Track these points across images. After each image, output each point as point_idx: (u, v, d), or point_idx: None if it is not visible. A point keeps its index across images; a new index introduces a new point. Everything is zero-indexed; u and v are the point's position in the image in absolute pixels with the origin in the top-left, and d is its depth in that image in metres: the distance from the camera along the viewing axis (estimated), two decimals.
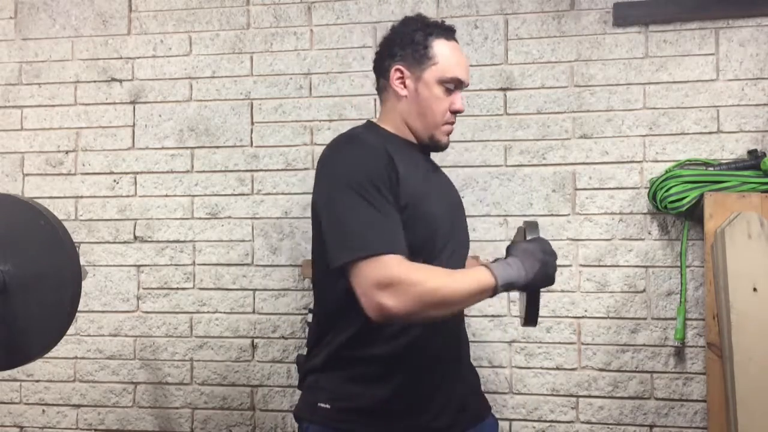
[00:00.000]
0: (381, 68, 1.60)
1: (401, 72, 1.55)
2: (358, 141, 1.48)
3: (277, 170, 2.53)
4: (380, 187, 1.36)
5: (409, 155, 1.53)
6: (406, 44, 1.55)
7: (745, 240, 2.03)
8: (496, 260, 1.44)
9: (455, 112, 1.56)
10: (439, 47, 1.54)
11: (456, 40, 1.58)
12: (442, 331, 1.50)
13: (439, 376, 1.51)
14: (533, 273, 1.38)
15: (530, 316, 1.44)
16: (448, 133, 1.59)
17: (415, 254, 1.37)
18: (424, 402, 1.47)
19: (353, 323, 1.43)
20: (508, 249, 1.46)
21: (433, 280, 1.31)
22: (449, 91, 1.54)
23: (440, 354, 1.52)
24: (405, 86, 1.55)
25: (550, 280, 1.41)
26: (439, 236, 1.49)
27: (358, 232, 1.32)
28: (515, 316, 2.37)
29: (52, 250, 1.66)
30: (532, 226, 1.49)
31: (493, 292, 1.36)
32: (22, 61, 2.69)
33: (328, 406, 1.46)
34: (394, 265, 1.29)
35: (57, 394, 2.62)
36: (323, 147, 2.46)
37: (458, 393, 1.54)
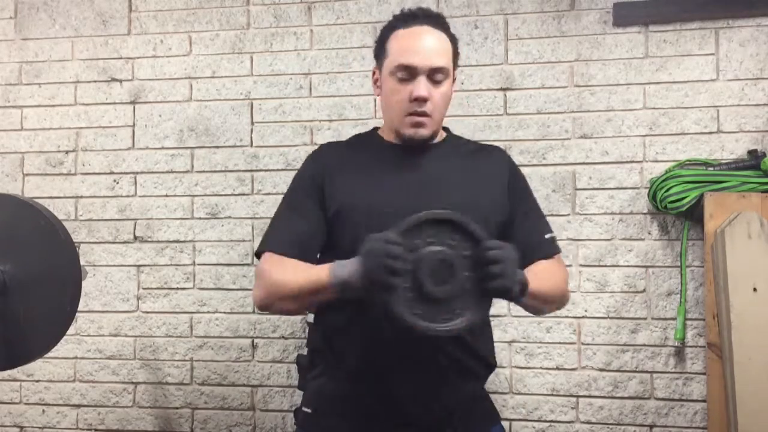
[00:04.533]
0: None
1: (374, 73, 1.57)
2: (317, 149, 1.63)
3: (277, 170, 2.53)
4: (303, 190, 1.53)
5: (370, 158, 1.54)
6: (376, 45, 1.56)
7: (745, 240, 2.03)
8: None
9: (415, 100, 1.44)
10: (393, 38, 1.49)
11: (419, 24, 1.47)
12: (380, 340, 1.40)
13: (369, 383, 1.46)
14: (358, 276, 1.28)
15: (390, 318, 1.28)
16: (416, 125, 1.46)
17: (348, 254, 1.33)
18: (391, 409, 1.44)
19: (321, 325, 1.58)
20: None
21: (281, 274, 1.42)
22: (404, 81, 1.44)
23: (376, 362, 1.44)
24: (378, 86, 1.55)
25: (369, 281, 1.26)
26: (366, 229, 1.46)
27: (267, 231, 1.53)
28: (515, 316, 2.37)
29: (52, 250, 1.67)
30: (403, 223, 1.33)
31: (332, 288, 1.34)
32: (22, 61, 2.69)
33: (309, 410, 1.56)
34: (264, 260, 1.47)
35: (57, 394, 2.62)
36: None
37: (397, 404, 1.44)
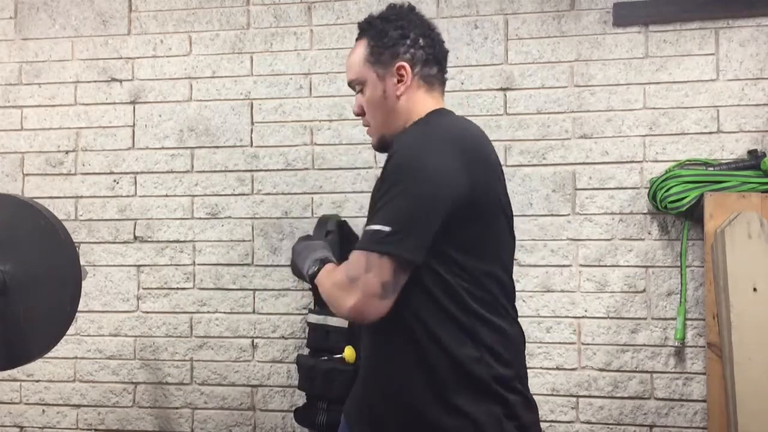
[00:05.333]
0: None
1: None
2: None
3: (277, 170, 2.53)
4: None
5: None
6: None
7: (745, 240, 2.03)
8: None
9: (356, 116, 1.53)
10: None
11: (358, 38, 1.53)
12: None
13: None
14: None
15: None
16: (369, 134, 1.51)
17: None
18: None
19: None
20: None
21: None
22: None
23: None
24: None
25: (297, 274, 1.48)
26: None
27: None
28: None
29: (52, 250, 1.67)
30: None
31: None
32: (22, 61, 2.69)
33: None
34: None
35: (57, 394, 2.62)
36: (323, 147, 2.50)
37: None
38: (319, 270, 1.37)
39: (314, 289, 1.40)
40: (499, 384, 1.30)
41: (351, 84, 1.50)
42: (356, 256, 1.26)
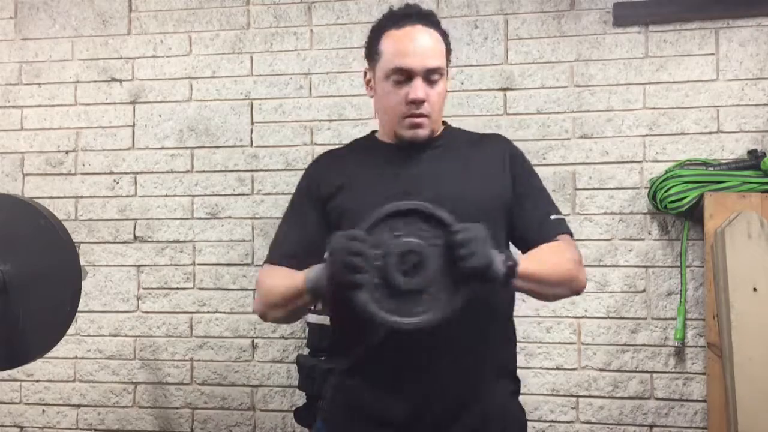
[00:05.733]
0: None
1: (365, 74, 1.54)
2: (315, 159, 1.67)
3: (277, 170, 2.53)
4: (301, 201, 1.57)
5: (368, 161, 1.53)
6: (367, 46, 1.53)
7: (745, 240, 2.03)
8: None
9: (412, 102, 1.43)
10: (385, 40, 1.47)
11: (411, 24, 1.45)
12: (404, 342, 1.35)
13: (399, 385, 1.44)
14: (327, 274, 1.29)
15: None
16: (414, 126, 1.45)
17: None
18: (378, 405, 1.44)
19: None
20: None
21: (270, 282, 1.47)
22: (400, 83, 1.43)
23: (401, 363, 1.42)
24: (371, 88, 1.53)
25: (334, 281, 1.28)
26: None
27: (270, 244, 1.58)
28: (515, 316, 2.36)
29: (52, 250, 1.67)
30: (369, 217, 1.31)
31: (308, 293, 1.36)
32: (22, 61, 2.69)
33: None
34: (261, 271, 1.52)
35: (57, 394, 2.62)
36: (323, 147, 2.49)
37: (421, 401, 1.42)
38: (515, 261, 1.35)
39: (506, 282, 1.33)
40: None
41: (432, 70, 1.43)
42: (569, 239, 1.49)
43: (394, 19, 1.48)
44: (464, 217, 1.30)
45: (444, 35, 1.51)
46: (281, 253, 1.52)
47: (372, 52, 1.50)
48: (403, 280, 1.23)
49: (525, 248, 1.47)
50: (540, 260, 1.40)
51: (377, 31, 1.50)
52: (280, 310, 1.46)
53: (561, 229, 1.49)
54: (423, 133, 1.47)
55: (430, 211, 1.25)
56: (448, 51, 1.51)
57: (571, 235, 1.50)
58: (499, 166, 1.51)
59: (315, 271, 1.34)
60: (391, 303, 1.24)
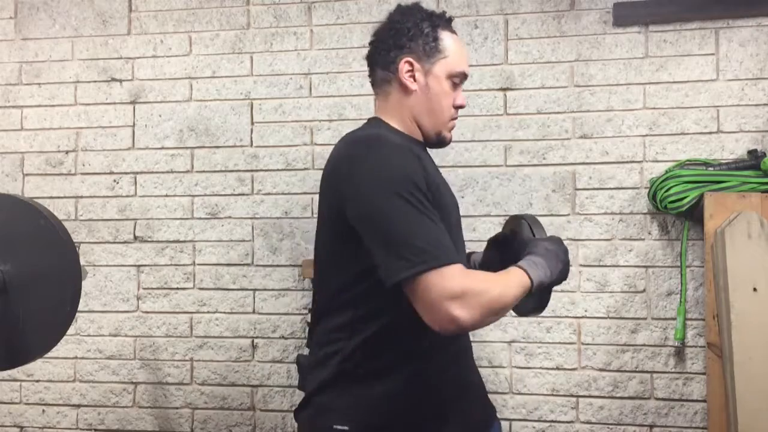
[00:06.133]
0: (385, 60, 1.48)
1: (411, 65, 1.45)
2: (390, 144, 1.37)
3: (277, 170, 2.53)
4: (424, 193, 1.31)
5: (425, 155, 1.49)
6: (415, 36, 1.45)
7: (745, 240, 2.03)
8: (527, 257, 1.39)
9: (459, 107, 1.52)
10: (448, 40, 1.48)
11: (455, 31, 1.54)
12: (451, 340, 1.38)
13: (452, 386, 1.44)
14: (557, 273, 1.40)
15: (538, 307, 1.47)
16: (451, 130, 1.54)
17: None
18: (441, 413, 1.41)
19: (370, 330, 1.37)
20: (528, 245, 1.42)
21: (494, 287, 1.28)
22: (455, 86, 1.49)
23: (452, 362, 1.44)
24: (415, 80, 1.46)
25: (565, 279, 1.45)
26: (457, 239, 1.47)
27: (417, 245, 1.25)
28: (515, 317, 2.36)
29: (52, 250, 1.67)
30: (537, 223, 1.51)
31: (529, 293, 1.36)
32: (22, 61, 2.69)
33: (346, 428, 1.36)
34: (459, 276, 1.25)
35: (57, 394, 2.62)
36: (323, 147, 2.50)
37: (470, 401, 1.49)
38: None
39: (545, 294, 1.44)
40: None
41: (466, 76, 1.54)
42: None
43: (446, 20, 1.52)
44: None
45: None
46: (454, 251, 1.31)
47: (429, 45, 1.46)
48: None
49: None
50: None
51: (433, 27, 1.48)
52: (505, 313, 1.35)
53: None
54: (450, 135, 1.57)
55: (541, 225, 1.53)
56: None
57: None
58: None
59: (538, 268, 1.36)
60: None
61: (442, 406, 1.41)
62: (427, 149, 1.54)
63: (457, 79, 1.49)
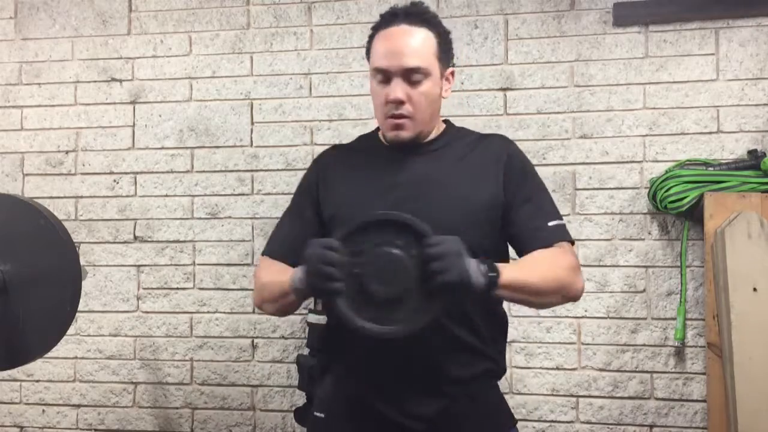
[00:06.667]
0: None
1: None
2: (322, 152, 1.69)
3: (277, 170, 2.53)
4: (301, 197, 1.61)
5: (365, 160, 1.54)
6: (366, 45, 1.55)
7: (745, 240, 2.03)
8: None
9: (392, 102, 1.43)
10: (375, 40, 1.49)
11: (398, 24, 1.45)
12: (358, 342, 1.38)
13: (363, 385, 1.48)
14: (304, 281, 1.32)
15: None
16: (395, 127, 1.45)
17: None
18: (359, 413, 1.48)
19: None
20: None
21: (266, 277, 1.51)
22: (382, 83, 1.44)
23: (362, 362, 1.46)
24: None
25: (310, 288, 1.32)
26: None
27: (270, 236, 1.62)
28: (515, 316, 2.37)
29: (52, 250, 1.67)
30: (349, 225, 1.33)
31: (294, 293, 1.39)
32: (22, 61, 2.69)
33: (322, 415, 1.57)
34: (260, 263, 1.58)
35: (57, 394, 2.62)
36: (323, 147, 2.49)
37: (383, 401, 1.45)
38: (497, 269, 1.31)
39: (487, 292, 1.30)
40: None
41: (410, 71, 1.43)
42: (568, 246, 1.46)
43: (385, 19, 1.49)
44: (449, 225, 1.32)
45: (441, 34, 1.48)
46: (277, 248, 1.57)
47: (367, 52, 1.53)
48: (379, 289, 1.24)
49: (521, 255, 1.46)
50: (528, 268, 1.37)
51: (372, 31, 1.52)
52: (272, 305, 1.53)
53: (558, 236, 1.44)
54: (405, 134, 1.46)
55: (407, 222, 1.26)
56: (444, 49, 1.48)
57: (571, 242, 1.47)
58: (492, 170, 1.47)
59: (298, 273, 1.35)
60: (371, 311, 1.26)
61: (359, 403, 1.47)
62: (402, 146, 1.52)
63: (378, 75, 1.45)
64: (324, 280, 1.26)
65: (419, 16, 1.47)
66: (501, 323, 1.55)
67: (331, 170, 1.57)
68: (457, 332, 1.42)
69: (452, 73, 1.52)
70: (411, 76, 1.42)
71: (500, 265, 1.31)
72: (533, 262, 1.40)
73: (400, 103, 1.42)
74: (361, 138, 1.66)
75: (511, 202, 1.45)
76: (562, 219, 1.48)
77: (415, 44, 1.43)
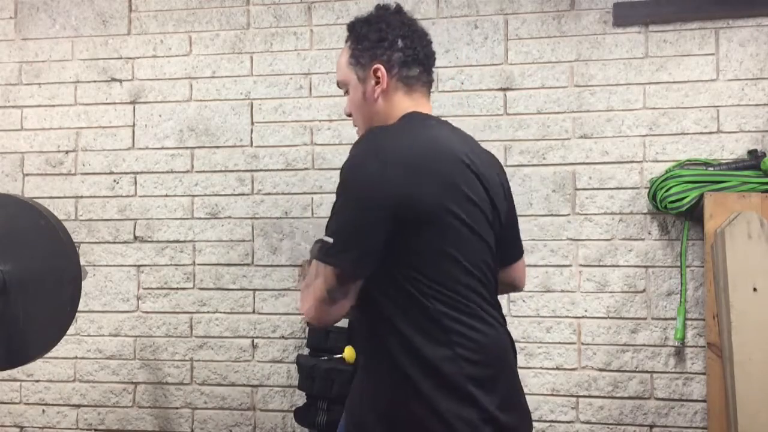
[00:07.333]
0: None
1: None
2: None
3: (277, 170, 2.53)
4: None
5: None
6: None
7: (745, 240, 2.03)
8: None
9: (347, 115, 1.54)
10: None
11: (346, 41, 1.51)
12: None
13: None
14: None
15: None
16: (358, 134, 1.49)
17: None
18: None
19: None
20: None
21: None
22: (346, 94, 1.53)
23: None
24: None
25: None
26: None
27: None
28: (515, 316, 2.37)
29: (52, 250, 1.67)
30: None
31: None
32: (22, 61, 2.69)
33: None
34: None
35: (57, 394, 2.62)
36: (323, 147, 2.50)
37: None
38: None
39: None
40: (473, 384, 1.29)
41: (339, 85, 1.52)
42: (312, 264, 1.32)
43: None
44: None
45: (354, 41, 1.47)
46: None
47: None
48: None
49: None
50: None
51: None
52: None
53: (313, 254, 1.35)
54: None
55: None
56: (357, 54, 1.46)
57: (323, 261, 1.28)
58: None
59: None
60: None
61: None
62: None
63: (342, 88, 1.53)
64: None
65: (350, 30, 1.51)
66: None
67: None
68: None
69: (376, 70, 1.44)
70: (343, 89, 1.52)
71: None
72: None
73: (349, 115, 1.52)
74: None
75: None
76: (330, 236, 1.30)
77: (339, 61, 1.52)
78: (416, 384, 1.28)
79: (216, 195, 2.56)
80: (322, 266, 1.28)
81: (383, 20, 1.46)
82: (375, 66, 1.43)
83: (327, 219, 1.30)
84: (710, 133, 2.31)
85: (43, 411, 2.62)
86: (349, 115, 1.51)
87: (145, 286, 2.59)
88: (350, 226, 1.29)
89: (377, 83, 1.44)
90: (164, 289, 2.58)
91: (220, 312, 2.54)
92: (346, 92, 1.50)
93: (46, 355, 1.90)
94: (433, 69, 1.49)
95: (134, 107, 2.62)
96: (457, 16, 2.45)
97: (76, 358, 2.61)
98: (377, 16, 1.47)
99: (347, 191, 1.31)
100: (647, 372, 2.31)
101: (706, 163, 2.27)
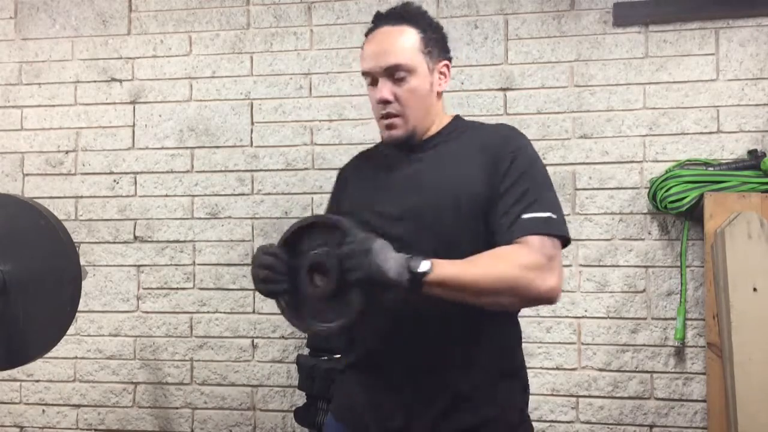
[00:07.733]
0: None
1: None
2: (350, 160, 1.67)
3: (277, 170, 2.53)
4: (327, 209, 1.64)
5: (374, 163, 1.55)
6: None
7: (745, 240, 2.03)
8: None
9: (380, 102, 1.42)
10: (363, 45, 1.49)
11: (381, 26, 1.45)
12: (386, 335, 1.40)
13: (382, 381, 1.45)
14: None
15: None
16: (388, 127, 1.44)
17: None
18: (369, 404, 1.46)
19: None
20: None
21: None
22: (372, 85, 1.45)
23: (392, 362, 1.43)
24: None
25: (258, 291, 1.49)
26: (368, 218, 1.44)
27: None
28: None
29: (52, 250, 1.67)
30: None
31: None
32: (22, 61, 2.69)
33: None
34: None
35: (57, 394, 2.62)
36: (323, 147, 2.50)
37: (398, 402, 1.42)
38: (430, 265, 1.24)
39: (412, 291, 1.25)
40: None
41: (392, 69, 1.41)
42: (542, 240, 1.30)
43: (372, 24, 1.49)
44: (433, 222, 1.36)
45: (427, 28, 1.45)
46: None
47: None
48: (312, 289, 1.31)
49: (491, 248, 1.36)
50: (472, 266, 1.28)
51: (364, 38, 1.51)
52: None
53: (531, 229, 1.31)
54: (396, 133, 1.44)
55: (334, 223, 1.29)
56: (429, 43, 1.44)
57: (554, 235, 1.31)
58: (489, 162, 1.40)
59: None
60: (309, 309, 1.34)
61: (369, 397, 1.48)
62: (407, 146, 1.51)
63: (367, 79, 1.46)
64: (260, 282, 1.37)
65: (400, 15, 1.46)
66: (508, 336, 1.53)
67: (348, 177, 1.61)
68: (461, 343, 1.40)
69: (446, 66, 1.48)
70: (395, 74, 1.41)
71: (438, 262, 1.24)
72: (480, 259, 1.30)
73: (386, 102, 1.41)
74: (380, 143, 1.61)
75: (495, 199, 1.37)
76: (551, 211, 1.33)
77: (395, 42, 1.43)
78: (522, 361, 1.63)
79: (216, 195, 2.56)
80: (556, 240, 1.33)
81: (433, 19, 1.51)
82: (445, 62, 1.48)
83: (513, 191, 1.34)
84: (710, 133, 2.31)
85: (43, 411, 2.63)
86: (388, 102, 1.41)
87: (145, 286, 2.59)
88: (557, 202, 1.37)
89: (442, 79, 1.47)
90: (164, 289, 2.58)
91: (220, 312, 2.54)
92: (398, 78, 1.41)
93: (46, 355, 1.89)
94: None
95: (134, 107, 2.62)
96: (457, 16, 2.45)
97: (76, 358, 2.61)
98: (427, 13, 1.49)
99: (540, 167, 1.40)
100: (647, 372, 2.31)
101: (706, 163, 2.27)
